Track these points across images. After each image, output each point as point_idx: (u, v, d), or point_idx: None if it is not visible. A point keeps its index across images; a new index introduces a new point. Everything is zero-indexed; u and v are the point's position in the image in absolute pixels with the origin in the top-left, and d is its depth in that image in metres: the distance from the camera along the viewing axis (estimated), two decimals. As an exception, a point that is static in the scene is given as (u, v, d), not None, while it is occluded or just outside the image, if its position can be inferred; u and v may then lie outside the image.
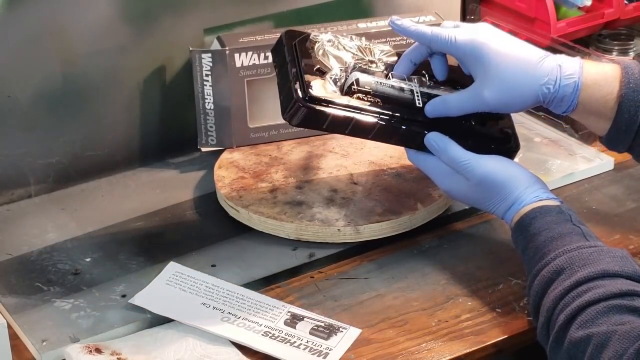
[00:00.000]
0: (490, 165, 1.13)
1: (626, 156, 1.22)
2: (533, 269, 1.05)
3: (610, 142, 1.15)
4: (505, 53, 1.11)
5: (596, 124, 1.14)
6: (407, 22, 1.18)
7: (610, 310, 0.95)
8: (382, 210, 1.24)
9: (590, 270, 0.99)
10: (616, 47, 1.53)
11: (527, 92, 1.11)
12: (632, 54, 1.51)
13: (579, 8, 1.52)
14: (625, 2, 1.54)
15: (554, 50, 1.48)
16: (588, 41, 1.55)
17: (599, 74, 1.11)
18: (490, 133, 1.18)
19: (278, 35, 1.36)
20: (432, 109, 1.16)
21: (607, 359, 0.92)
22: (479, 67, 1.12)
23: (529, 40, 1.49)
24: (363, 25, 1.39)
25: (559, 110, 1.14)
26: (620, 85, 1.11)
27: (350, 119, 1.14)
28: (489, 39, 1.12)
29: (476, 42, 1.12)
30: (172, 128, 1.42)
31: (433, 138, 1.14)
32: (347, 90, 1.16)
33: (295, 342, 1.08)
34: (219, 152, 1.37)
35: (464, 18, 1.59)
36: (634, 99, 1.10)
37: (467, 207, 1.29)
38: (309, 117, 1.14)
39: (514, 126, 1.21)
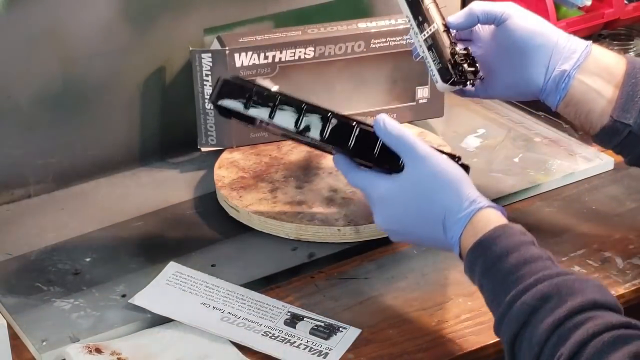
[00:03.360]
0: (433, 150, 1.06)
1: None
2: (507, 294, 0.95)
3: (620, 111, 1.13)
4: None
5: (604, 87, 1.13)
6: None
7: (617, 340, 0.88)
8: (382, 210, 1.24)
9: (582, 300, 0.92)
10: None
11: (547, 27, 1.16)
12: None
13: (579, 8, 1.51)
14: (625, 2, 1.54)
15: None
16: (588, 41, 1.55)
17: (604, 52, 1.16)
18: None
19: (278, 35, 1.37)
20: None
21: None
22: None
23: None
24: (363, 25, 1.39)
25: (572, 60, 1.14)
26: (625, 60, 1.14)
27: None
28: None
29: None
30: (172, 128, 1.42)
31: (383, 116, 1.06)
32: None
33: (295, 342, 1.08)
34: (219, 152, 1.37)
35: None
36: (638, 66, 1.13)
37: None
38: None
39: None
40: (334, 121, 1.08)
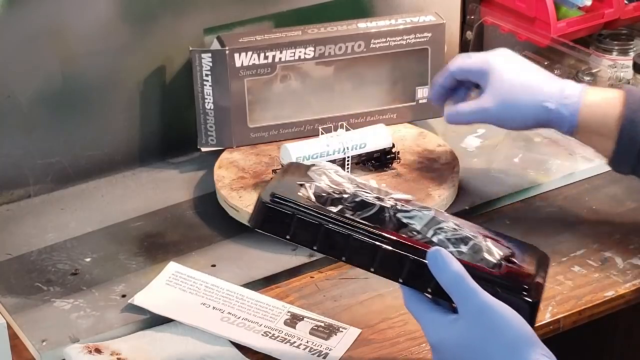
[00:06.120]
0: (493, 299, 0.93)
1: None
2: None
3: (615, 163, 1.17)
4: (511, 70, 1.21)
5: (600, 145, 1.18)
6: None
7: None
8: (382, 210, 1.24)
9: None
10: (616, 47, 1.53)
11: (526, 109, 1.19)
12: (632, 54, 1.51)
13: (579, 8, 1.52)
14: (625, 2, 1.54)
15: (554, 50, 1.48)
16: (588, 41, 1.55)
17: (600, 97, 1.18)
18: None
19: (278, 35, 1.37)
20: (450, 118, 1.25)
21: None
22: (486, 79, 1.22)
23: (528, 40, 1.50)
24: (363, 25, 1.39)
25: (562, 130, 1.19)
26: (622, 107, 1.15)
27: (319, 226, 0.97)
28: (501, 57, 1.22)
29: (488, 57, 1.22)
30: (172, 128, 1.42)
31: (438, 252, 0.95)
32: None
33: (295, 342, 1.08)
34: (219, 152, 1.37)
35: (464, 18, 1.59)
36: (634, 120, 1.13)
37: (467, 207, 1.29)
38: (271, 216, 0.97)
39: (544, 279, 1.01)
40: (382, 253, 0.97)
